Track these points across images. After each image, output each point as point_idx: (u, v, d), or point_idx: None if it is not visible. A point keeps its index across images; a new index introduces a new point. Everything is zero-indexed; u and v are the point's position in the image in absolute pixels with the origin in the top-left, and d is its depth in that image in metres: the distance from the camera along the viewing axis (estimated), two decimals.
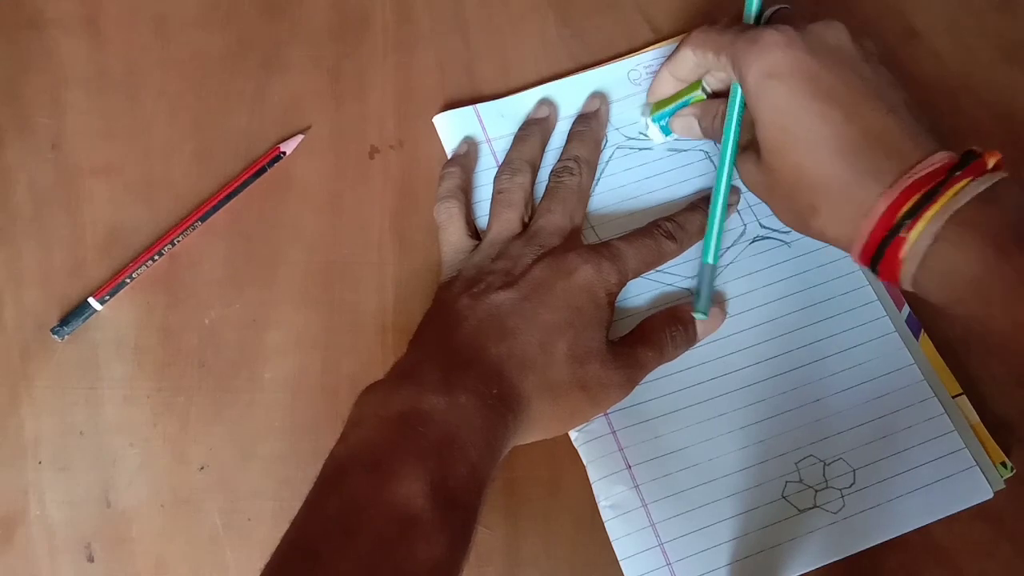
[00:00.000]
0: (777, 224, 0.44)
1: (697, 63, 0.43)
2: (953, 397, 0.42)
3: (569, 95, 0.48)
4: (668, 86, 0.45)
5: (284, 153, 0.47)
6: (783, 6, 0.43)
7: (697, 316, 0.42)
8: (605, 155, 0.47)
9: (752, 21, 0.42)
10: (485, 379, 0.37)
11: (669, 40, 0.49)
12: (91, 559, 0.40)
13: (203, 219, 0.45)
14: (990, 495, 0.40)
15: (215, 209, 0.45)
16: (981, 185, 0.34)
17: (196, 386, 0.43)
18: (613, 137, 0.47)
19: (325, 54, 0.49)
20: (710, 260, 0.43)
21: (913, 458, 0.41)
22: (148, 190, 0.46)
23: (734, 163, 0.42)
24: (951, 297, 0.35)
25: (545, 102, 0.48)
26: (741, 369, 0.42)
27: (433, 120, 0.48)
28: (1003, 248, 0.33)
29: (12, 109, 0.47)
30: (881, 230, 0.35)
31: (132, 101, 0.48)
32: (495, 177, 0.45)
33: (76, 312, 0.43)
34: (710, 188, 0.44)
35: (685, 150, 0.47)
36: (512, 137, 0.47)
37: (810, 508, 0.40)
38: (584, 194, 0.45)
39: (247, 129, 0.47)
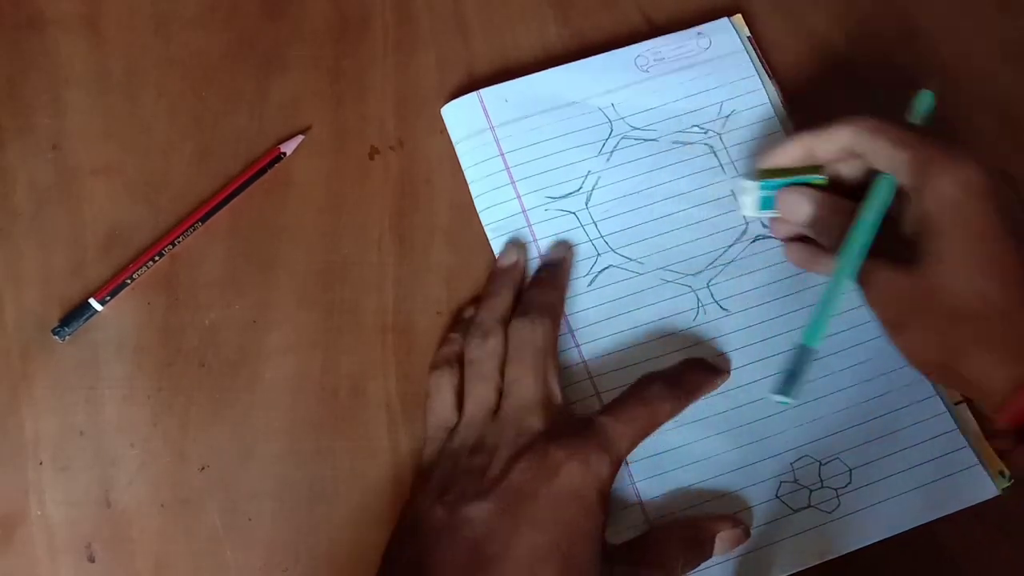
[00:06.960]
0: None
1: (848, 147, 0.40)
2: (954, 404, 0.42)
3: (575, 81, 0.48)
4: (793, 157, 0.41)
5: (284, 153, 0.47)
6: None
7: (778, 398, 0.37)
8: (609, 145, 0.47)
9: (918, 121, 0.41)
10: None
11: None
12: (91, 559, 0.40)
13: (204, 219, 0.45)
14: (995, 492, 0.40)
15: (216, 210, 0.45)
16: None
17: (196, 386, 0.43)
18: (618, 127, 0.47)
19: (325, 54, 0.49)
20: (815, 344, 0.38)
21: (913, 457, 0.41)
22: (148, 190, 0.46)
23: (862, 258, 0.38)
24: None
25: (513, 244, 0.44)
26: (738, 368, 0.42)
27: (441, 111, 0.47)
28: None
29: (12, 109, 0.47)
30: None
31: (132, 101, 0.48)
32: (466, 343, 0.41)
33: (77, 312, 0.43)
34: (697, 342, 0.43)
35: (691, 143, 0.46)
36: (516, 124, 0.47)
37: (804, 508, 0.40)
38: (551, 346, 0.40)
39: (247, 129, 0.47)
